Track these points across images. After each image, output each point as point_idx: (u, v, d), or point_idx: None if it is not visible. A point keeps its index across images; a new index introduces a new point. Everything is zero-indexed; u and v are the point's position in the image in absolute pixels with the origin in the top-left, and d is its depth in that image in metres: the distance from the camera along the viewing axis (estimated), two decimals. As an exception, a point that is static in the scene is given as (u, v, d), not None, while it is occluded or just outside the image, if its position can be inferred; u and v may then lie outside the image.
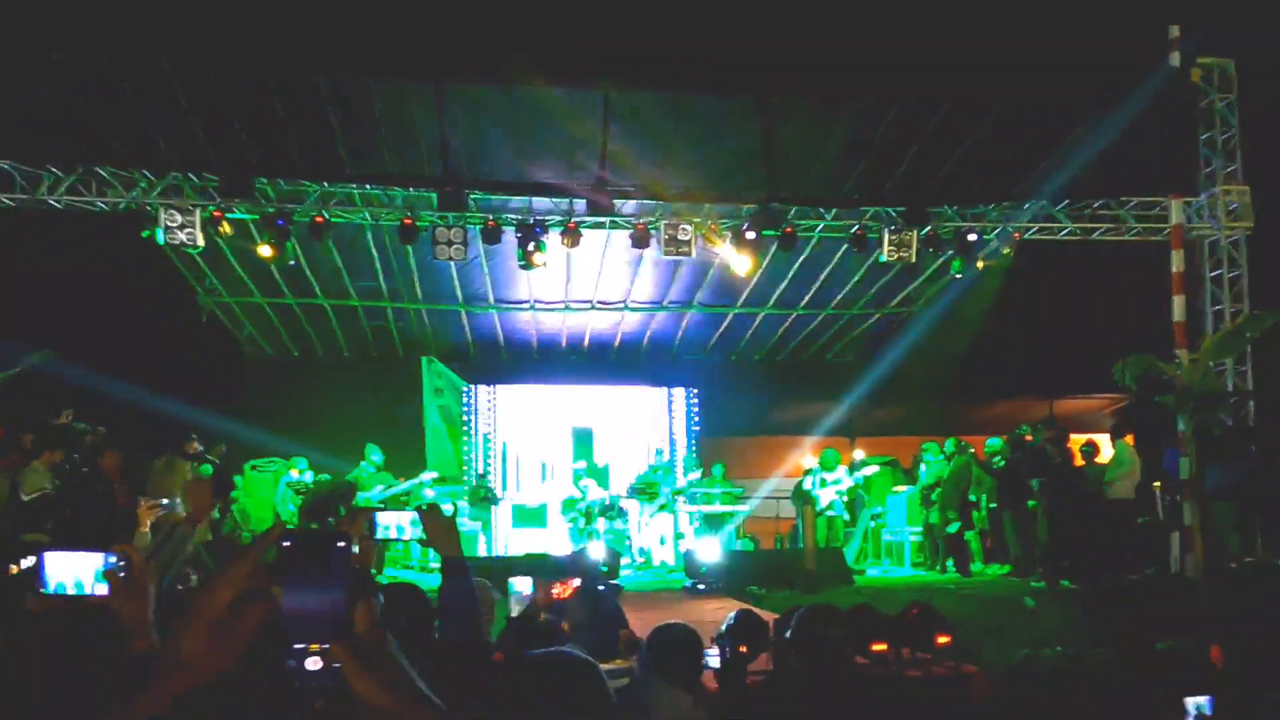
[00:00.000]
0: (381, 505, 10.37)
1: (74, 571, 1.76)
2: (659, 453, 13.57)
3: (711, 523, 11.86)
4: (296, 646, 0.89)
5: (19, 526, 6.34)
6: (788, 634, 3.11)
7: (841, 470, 11.56)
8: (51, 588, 1.76)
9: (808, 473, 11.76)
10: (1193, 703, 2.46)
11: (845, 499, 11.50)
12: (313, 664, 0.90)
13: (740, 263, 10.55)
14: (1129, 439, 10.27)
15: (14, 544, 5.85)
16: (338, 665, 0.90)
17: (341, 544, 0.93)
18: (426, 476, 11.57)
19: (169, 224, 9.53)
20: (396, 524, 2.43)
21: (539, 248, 10.18)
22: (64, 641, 1.79)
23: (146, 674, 0.92)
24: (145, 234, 9.70)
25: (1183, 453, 9.85)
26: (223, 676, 0.92)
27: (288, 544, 0.92)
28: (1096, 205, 11.16)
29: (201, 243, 9.73)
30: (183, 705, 0.91)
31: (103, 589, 1.68)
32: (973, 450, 10.90)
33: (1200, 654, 4.96)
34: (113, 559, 1.67)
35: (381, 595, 2.16)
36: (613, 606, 4.68)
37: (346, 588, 0.92)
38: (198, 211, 9.60)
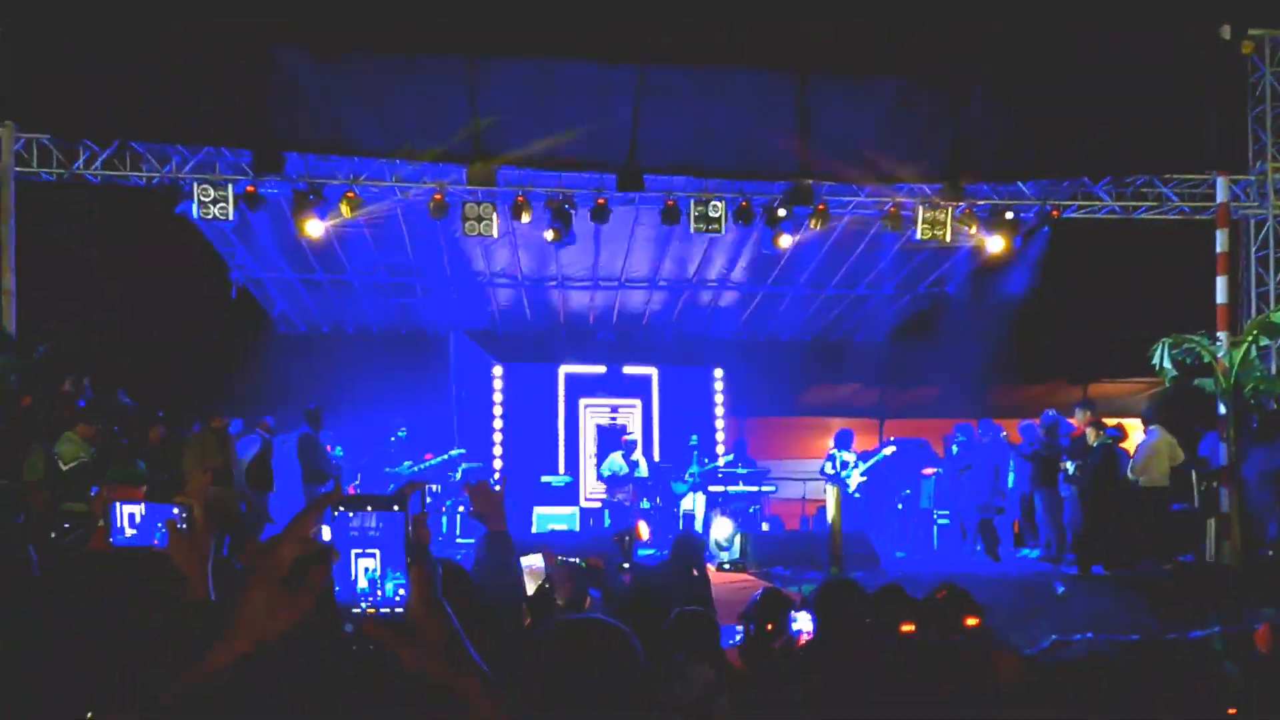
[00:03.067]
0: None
1: (139, 522, 1.85)
2: (692, 435, 13.52)
3: (737, 503, 11.82)
4: (354, 610, 0.93)
5: (57, 496, 6.49)
6: (809, 607, 3.08)
7: (853, 453, 11.41)
8: (118, 538, 1.85)
9: (829, 456, 11.66)
10: None
11: (864, 480, 11.36)
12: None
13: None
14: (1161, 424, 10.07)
15: (57, 512, 6.01)
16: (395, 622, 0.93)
17: (397, 509, 0.95)
18: (454, 453, 11.65)
19: (202, 199, 9.63)
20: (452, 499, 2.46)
21: (568, 224, 10.14)
22: (123, 589, 1.86)
23: (210, 629, 0.95)
24: (179, 209, 9.81)
25: (1222, 438, 9.64)
26: (283, 638, 0.95)
27: (341, 509, 0.95)
28: (1139, 182, 10.86)
29: (233, 217, 9.82)
30: (246, 664, 0.95)
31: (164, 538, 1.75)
32: (1006, 433, 10.75)
33: (1240, 641, 4.85)
34: (174, 510, 1.73)
35: (440, 568, 2.19)
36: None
37: (403, 552, 0.94)
38: (230, 186, 9.69)
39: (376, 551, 0.93)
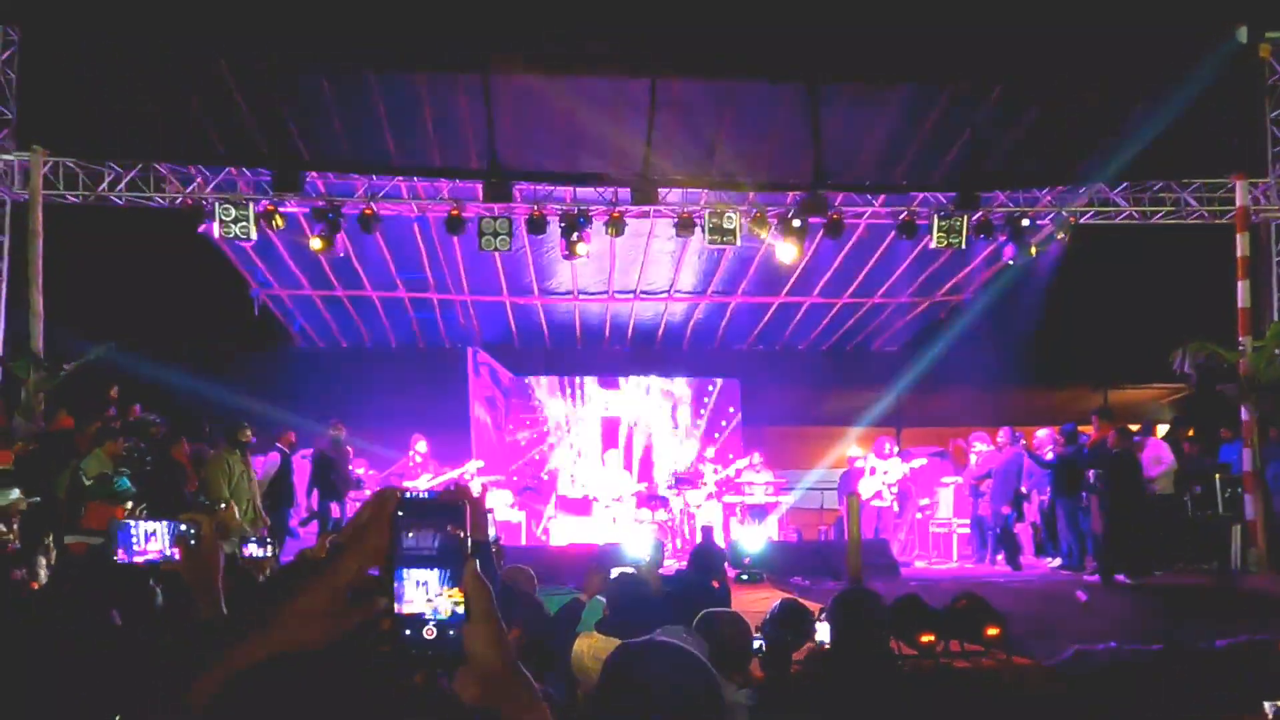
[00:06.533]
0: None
1: (147, 540, 1.86)
2: (708, 444, 13.54)
3: (755, 513, 11.80)
4: (414, 616, 0.91)
5: (79, 511, 6.62)
6: (824, 614, 3.08)
7: (892, 460, 11.37)
8: (127, 555, 1.86)
9: (854, 463, 11.62)
10: (1272, 706, 2.37)
11: (894, 490, 11.32)
12: (428, 633, 0.91)
13: (786, 251, 10.46)
14: (1158, 432, 10.00)
15: (76, 517, 6.12)
16: (454, 634, 0.91)
17: (456, 510, 0.94)
18: (472, 466, 11.72)
19: (223, 218, 9.78)
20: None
21: (583, 238, 10.21)
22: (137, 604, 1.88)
23: (248, 624, 0.93)
24: (200, 228, 9.97)
25: (1246, 443, 9.53)
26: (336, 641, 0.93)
27: (402, 513, 0.93)
28: (1157, 187, 10.79)
29: (254, 236, 9.96)
30: (292, 663, 0.92)
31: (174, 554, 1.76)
32: (1025, 441, 10.67)
33: (1266, 653, 4.79)
34: (183, 527, 1.75)
35: None
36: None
37: (462, 553, 0.93)
38: (250, 206, 9.83)
39: (437, 568, 0.92)
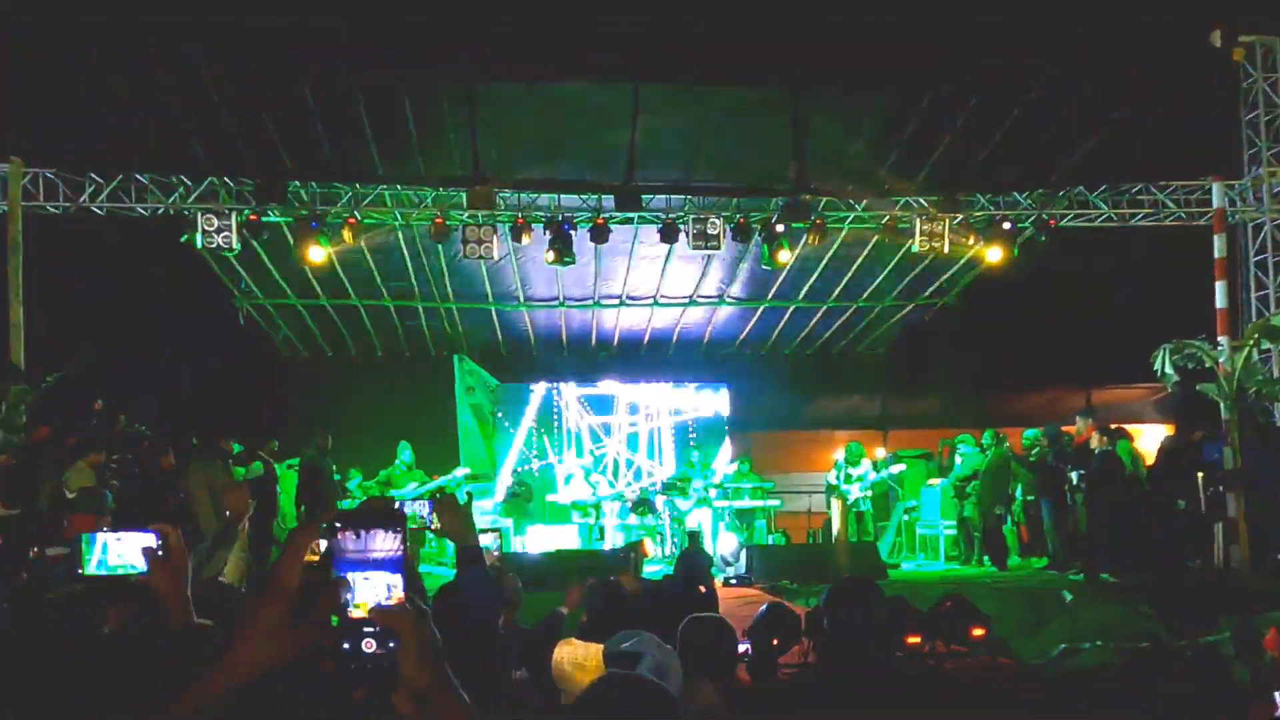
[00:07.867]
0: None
1: (115, 551, 1.83)
2: (690, 448, 13.56)
3: (742, 517, 11.82)
4: (355, 623, 0.91)
5: (61, 526, 6.55)
6: (822, 612, 3.07)
7: (866, 464, 11.43)
8: (91, 568, 1.83)
9: (835, 467, 11.68)
10: None
11: (871, 493, 11.37)
12: (367, 646, 0.91)
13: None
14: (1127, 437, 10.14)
15: (58, 529, 6.05)
16: (393, 645, 0.90)
17: (396, 524, 0.95)
18: (459, 473, 11.68)
19: (206, 228, 9.71)
20: (417, 513, 2.45)
21: (568, 245, 10.21)
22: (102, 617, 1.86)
23: (210, 658, 0.93)
24: (184, 238, 9.90)
25: (1226, 442, 9.64)
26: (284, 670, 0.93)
27: (340, 525, 0.94)
28: (1135, 190, 10.91)
29: (237, 246, 9.90)
30: (243, 695, 0.92)
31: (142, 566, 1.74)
32: (1009, 443, 10.75)
33: (1249, 644, 4.84)
34: (150, 537, 1.72)
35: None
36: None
37: (400, 568, 0.93)
38: (233, 215, 9.77)
39: (377, 573, 0.92)
